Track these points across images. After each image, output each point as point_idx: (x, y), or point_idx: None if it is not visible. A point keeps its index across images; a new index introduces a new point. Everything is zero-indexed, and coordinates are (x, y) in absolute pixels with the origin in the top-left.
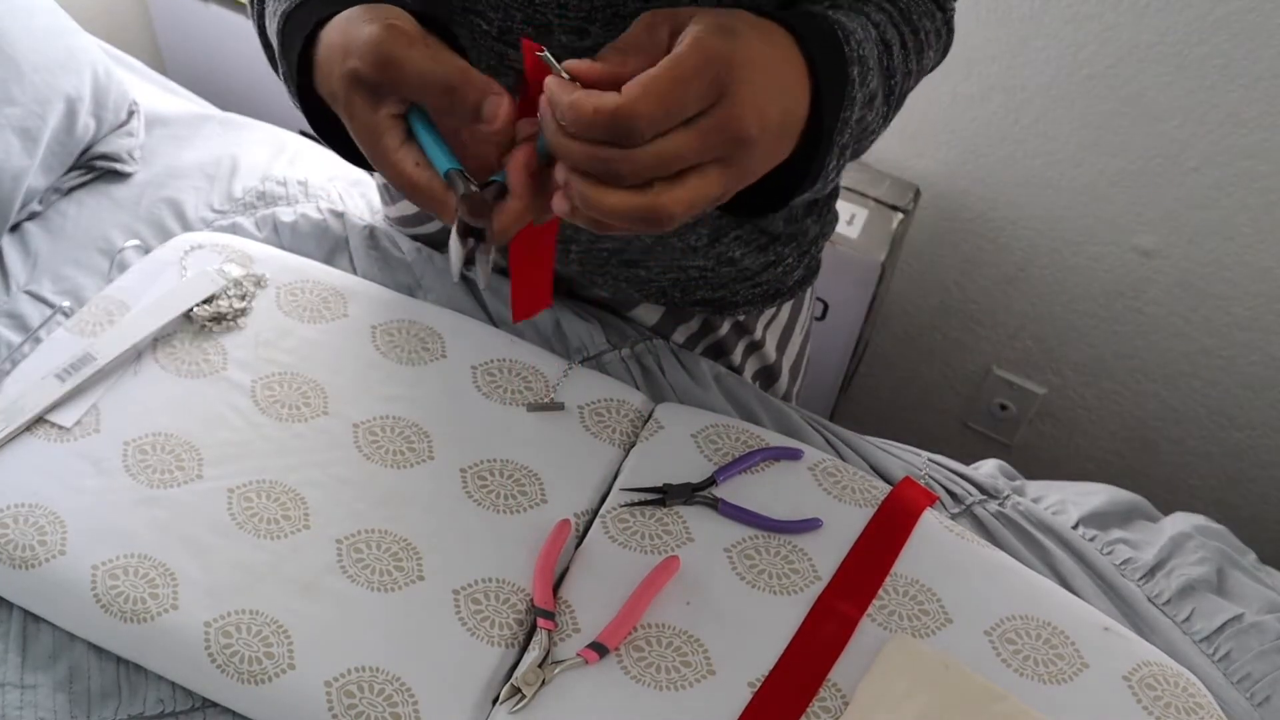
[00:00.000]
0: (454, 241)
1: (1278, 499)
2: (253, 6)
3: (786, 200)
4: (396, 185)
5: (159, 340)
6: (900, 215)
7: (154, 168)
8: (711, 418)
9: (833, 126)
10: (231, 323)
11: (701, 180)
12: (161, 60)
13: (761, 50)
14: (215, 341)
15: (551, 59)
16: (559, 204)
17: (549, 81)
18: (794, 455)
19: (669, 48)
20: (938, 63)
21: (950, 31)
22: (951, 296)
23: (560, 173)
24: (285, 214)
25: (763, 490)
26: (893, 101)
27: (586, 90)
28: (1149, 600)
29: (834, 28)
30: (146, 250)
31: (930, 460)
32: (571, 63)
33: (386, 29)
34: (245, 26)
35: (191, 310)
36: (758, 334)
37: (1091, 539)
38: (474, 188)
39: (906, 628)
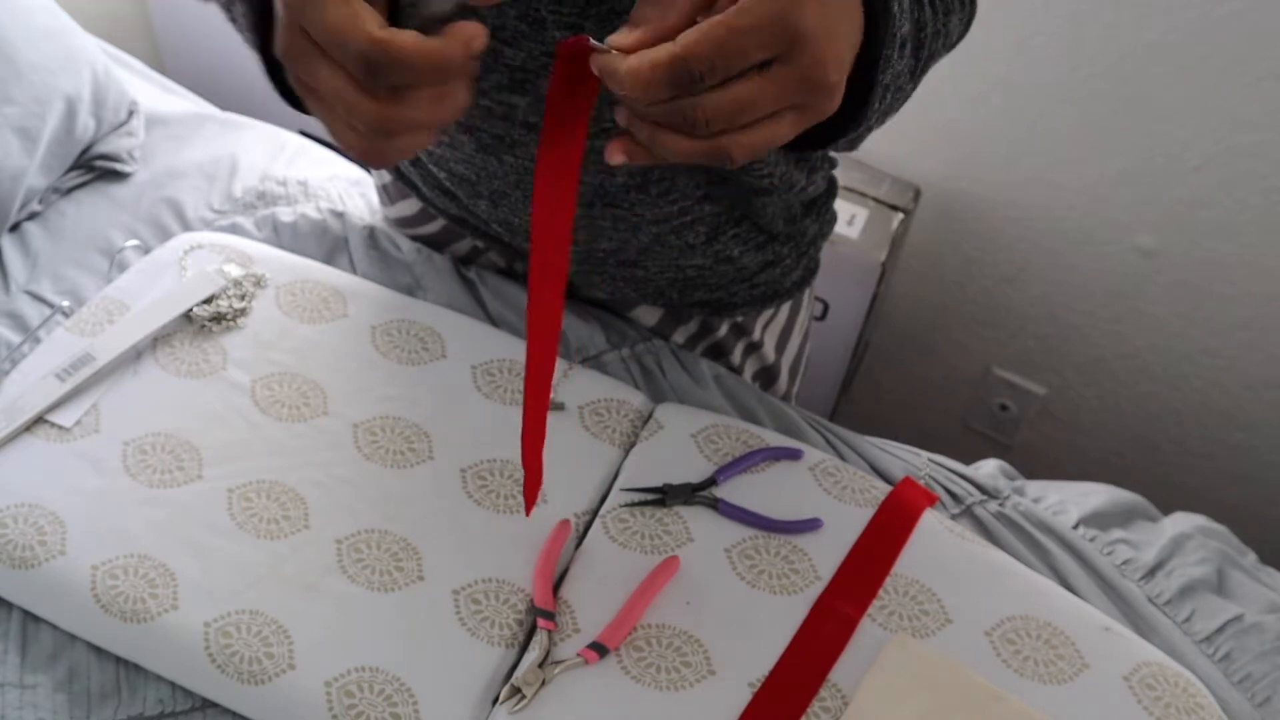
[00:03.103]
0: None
1: (1278, 499)
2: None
3: (826, 143)
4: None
5: (159, 340)
6: (900, 215)
7: (154, 168)
8: (711, 418)
9: (877, 62)
10: (231, 323)
11: (775, 125)
12: (161, 60)
13: None
14: (215, 341)
15: (598, 44)
16: (615, 154)
17: (604, 60)
18: (794, 455)
19: None
20: (962, 34)
21: (973, 1)
22: (951, 296)
23: (622, 116)
24: (285, 214)
25: (763, 490)
26: (921, 57)
27: (639, 52)
28: (1149, 600)
29: None
30: (146, 250)
31: (930, 460)
32: (615, 38)
33: None
34: None
35: (191, 310)
36: (756, 335)
37: (1092, 539)
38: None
39: (906, 628)
